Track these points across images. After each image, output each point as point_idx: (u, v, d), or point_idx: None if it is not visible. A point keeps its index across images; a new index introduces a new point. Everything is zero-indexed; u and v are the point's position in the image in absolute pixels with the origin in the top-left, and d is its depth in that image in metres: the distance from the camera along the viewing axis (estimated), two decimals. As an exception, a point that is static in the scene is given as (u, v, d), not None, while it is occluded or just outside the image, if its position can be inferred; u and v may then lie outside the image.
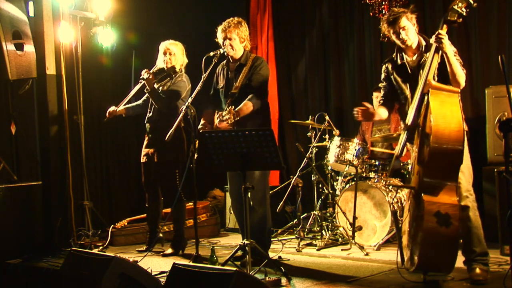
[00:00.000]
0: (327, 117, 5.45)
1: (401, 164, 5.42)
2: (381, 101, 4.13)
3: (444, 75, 3.70)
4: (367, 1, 5.82)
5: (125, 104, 5.30)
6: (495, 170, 4.45)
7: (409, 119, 3.74)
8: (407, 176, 5.38)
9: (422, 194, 3.50)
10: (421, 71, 3.82)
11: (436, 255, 3.46)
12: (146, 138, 5.22)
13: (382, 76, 4.12)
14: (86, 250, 4.28)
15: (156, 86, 5.09)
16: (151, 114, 5.16)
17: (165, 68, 5.11)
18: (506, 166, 3.17)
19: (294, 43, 7.33)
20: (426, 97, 3.60)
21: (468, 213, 3.63)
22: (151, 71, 5.02)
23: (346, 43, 6.88)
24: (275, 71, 7.22)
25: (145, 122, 5.21)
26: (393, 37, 3.88)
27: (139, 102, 5.37)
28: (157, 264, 4.62)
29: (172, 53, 5.13)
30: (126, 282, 3.43)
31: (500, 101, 4.69)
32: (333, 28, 6.95)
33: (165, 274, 3.88)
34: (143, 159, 5.20)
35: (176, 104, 5.00)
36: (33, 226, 5.27)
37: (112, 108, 5.29)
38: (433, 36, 3.65)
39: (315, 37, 7.12)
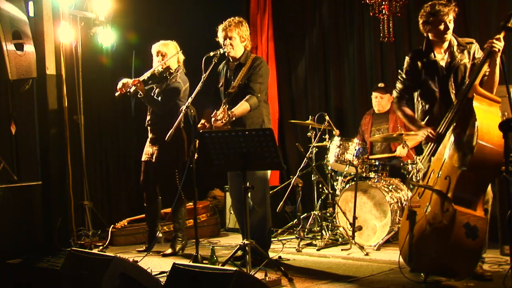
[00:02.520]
0: (327, 117, 5.45)
1: (401, 164, 5.42)
2: (402, 97, 3.98)
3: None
4: (367, 1, 5.82)
5: None
6: (495, 170, 4.45)
7: (443, 129, 3.65)
8: (407, 176, 5.38)
9: (453, 203, 3.40)
10: (452, 73, 3.77)
11: (457, 264, 3.42)
12: (148, 138, 5.22)
13: (406, 69, 3.98)
14: (86, 250, 4.28)
15: (155, 89, 5.09)
16: (149, 117, 5.17)
17: (158, 72, 5.04)
18: (506, 166, 3.15)
19: (294, 43, 7.34)
20: (466, 102, 3.53)
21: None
22: (140, 79, 4.95)
23: (346, 43, 6.89)
24: (275, 71, 7.23)
25: (146, 125, 5.22)
26: (432, 26, 3.79)
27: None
28: (157, 264, 4.62)
29: (164, 53, 5.12)
30: (126, 282, 3.43)
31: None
32: (333, 28, 6.95)
33: (165, 274, 3.88)
34: (144, 158, 5.20)
35: (173, 105, 5.00)
36: (33, 226, 5.27)
37: (126, 80, 5.05)
38: (490, 42, 3.54)
39: (315, 37, 7.13)
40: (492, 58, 3.57)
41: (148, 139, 5.22)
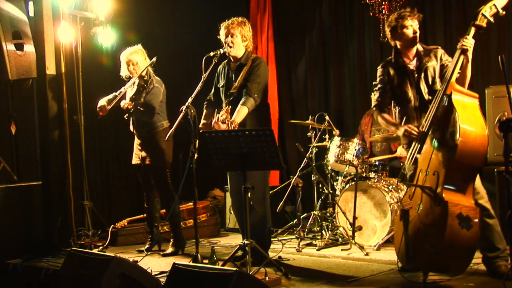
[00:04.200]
0: (327, 117, 5.45)
1: (401, 164, 5.42)
2: (381, 104, 4.10)
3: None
4: (367, 1, 5.82)
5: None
6: (495, 170, 4.45)
7: (426, 127, 3.72)
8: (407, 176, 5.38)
9: (444, 196, 3.48)
10: (422, 74, 3.90)
11: (453, 258, 3.45)
12: (137, 142, 5.25)
13: (380, 78, 4.12)
14: (86, 250, 4.28)
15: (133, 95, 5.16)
16: (136, 126, 5.18)
17: (136, 82, 5.11)
18: (506, 166, 3.17)
19: (294, 43, 7.34)
20: (445, 99, 3.61)
21: (489, 213, 3.70)
22: (128, 100, 5.05)
23: (346, 43, 6.89)
24: (275, 71, 7.23)
25: (132, 128, 5.24)
26: (402, 31, 3.91)
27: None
28: (157, 264, 4.62)
29: (135, 63, 5.14)
30: (126, 282, 3.43)
31: (500, 101, 4.69)
32: (333, 28, 6.95)
33: (165, 274, 3.88)
34: (134, 161, 5.25)
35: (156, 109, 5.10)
36: (33, 226, 5.27)
37: (102, 104, 5.15)
38: (461, 41, 3.65)
39: (315, 37, 7.13)
40: (465, 56, 3.68)
41: (136, 143, 5.25)
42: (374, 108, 4.17)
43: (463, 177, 3.54)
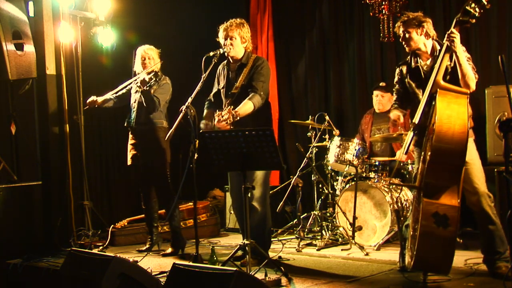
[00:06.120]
0: (327, 117, 5.45)
1: (401, 164, 5.42)
2: (395, 105, 4.12)
3: (456, 77, 3.70)
4: (367, 1, 5.82)
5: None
6: (495, 170, 4.45)
7: (416, 119, 3.73)
8: (407, 176, 5.38)
9: (421, 194, 3.50)
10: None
11: (432, 256, 3.46)
12: (131, 142, 5.24)
13: (396, 79, 4.12)
14: (86, 250, 4.28)
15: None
16: (139, 117, 5.15)
17: (151, 74, 5.11)
18: (506, 166, 3.17)
19: (294, 43, 7.34)
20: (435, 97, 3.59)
21: (490, 217, 3.68)
22: (147, 80, 5.03)
23: (346, 43, 6.89)
24: (275, 71, 7.23)
25: (131, 125, 5.22)
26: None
27: (113, 97, 5.35)
28: (157, 264, 4.62)
29: (151, 58, 5.18)
30: (126, 282, 3.43)
31: (500, 101, 4.69)
32: (333, 28, 6.96)
33: (165, 274, 3.89)
34: (129, 162, 5.25)
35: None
36: (33, 226, 5.27)
37: (93, 98, 5.27)
38: (445, 36, 3.64)
39: (315, 37, 7.13)
40: (452, 51, 3.65)
41: (130, 144, 5.25)
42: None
43: (443, 176, 3.50)
